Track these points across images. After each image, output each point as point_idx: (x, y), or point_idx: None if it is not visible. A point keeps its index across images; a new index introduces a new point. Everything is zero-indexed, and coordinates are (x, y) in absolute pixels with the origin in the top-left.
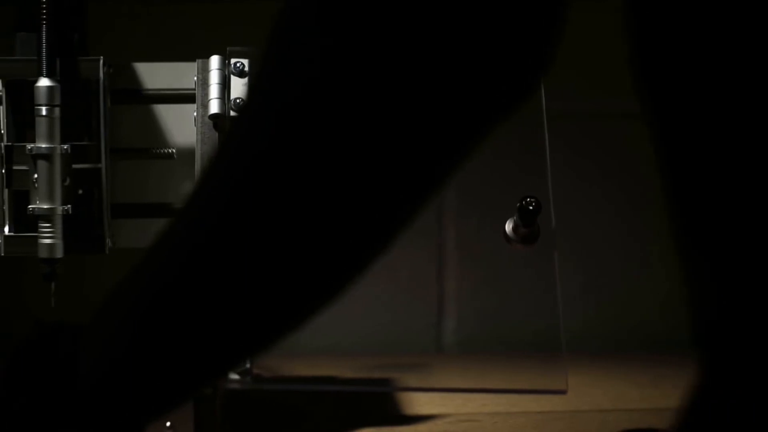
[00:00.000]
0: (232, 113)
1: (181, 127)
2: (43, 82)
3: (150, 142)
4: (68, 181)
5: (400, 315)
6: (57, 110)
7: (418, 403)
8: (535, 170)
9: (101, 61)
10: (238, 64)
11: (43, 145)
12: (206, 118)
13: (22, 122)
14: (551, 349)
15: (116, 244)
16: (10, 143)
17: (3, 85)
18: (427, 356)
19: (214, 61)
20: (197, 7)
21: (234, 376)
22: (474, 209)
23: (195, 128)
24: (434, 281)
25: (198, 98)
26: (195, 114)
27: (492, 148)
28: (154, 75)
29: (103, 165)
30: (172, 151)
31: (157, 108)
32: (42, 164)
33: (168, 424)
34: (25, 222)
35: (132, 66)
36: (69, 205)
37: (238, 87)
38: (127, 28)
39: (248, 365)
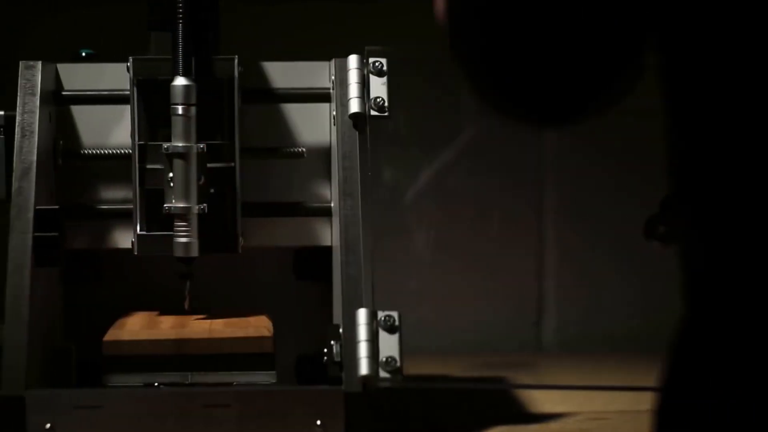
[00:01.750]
0: (372, 112)
1: (310, 125)
2: (180, 80)
3: (279, 141)
4: (203, 179)
5: (500, 315)
6: (193, 109)
7: (539, 401)
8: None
9: (236, 61)
10: (377, 64)
11: (180, 144)
12: (346, 117)
13: (154, 121)
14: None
15: (246, 242)
16: (142, 142)
17: (135, 84)
18: (534, 355)
19: (353, 60)
20: (326, 5)
21: (385, 375)
22: (574, 208)
23: (328, 127)
24: (534, 281)
25: (336, 97)
26: (333, 113)
27: (589, 150)
28: (284, 74)
29: (236, 164)
30: (303, 150)
31: (284, 107)
32: (178, 163)
33: (318, 422)
34: (158, 221)
35: (261, 65)
36: (204, 204)
37: (377, 86)
38: (255, 27)
39: (399, 364)
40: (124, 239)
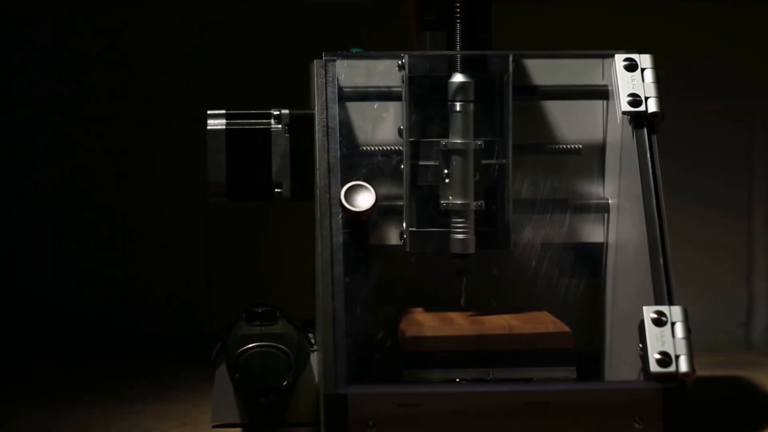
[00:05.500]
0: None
1: (578, 122)
2: (458, 77)
3: (547, 138)
4: (478, 176)
5: (708, 314)
6: (471, 106)
7: None
8: None
9: (510, 58)
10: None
11: (458, 141)
12: (622, 115)
13: (425, 118)
14: None
15: (515, 238)
16: (413, 138)
17: (404, 81)
18: (758, 354)
19: (647, 59)
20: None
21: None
22: None
23: (598, 124)
24: (744, 281)
25: (617, 95)
26: (623, 110)
27: None
28: (550, 70)
29: (508, 161)
30: (580, 147)
31: (550, 103)
32: (456, 159)
33: (636, 420)
34: (425, 217)
35: (524, 61)
36: (482, 201)
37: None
38: (520, 24)
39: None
40: (388, 236)
